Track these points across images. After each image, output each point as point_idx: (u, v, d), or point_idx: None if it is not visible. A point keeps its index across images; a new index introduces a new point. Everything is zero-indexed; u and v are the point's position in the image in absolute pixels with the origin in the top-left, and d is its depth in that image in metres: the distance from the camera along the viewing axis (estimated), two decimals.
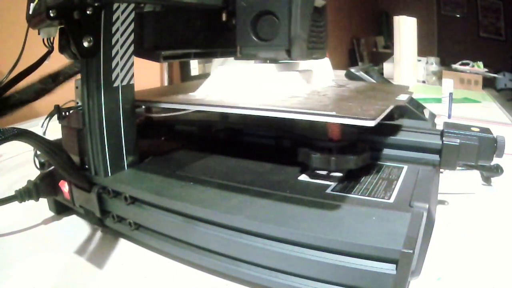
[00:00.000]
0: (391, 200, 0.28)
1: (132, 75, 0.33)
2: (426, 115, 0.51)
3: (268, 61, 0.40)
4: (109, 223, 0.34)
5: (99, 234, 0.35)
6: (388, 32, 2.59)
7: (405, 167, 0.35)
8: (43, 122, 0.34)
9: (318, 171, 0.34)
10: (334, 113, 0.27)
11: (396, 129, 0.39)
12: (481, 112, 0.96)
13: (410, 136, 0.37)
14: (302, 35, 0.34)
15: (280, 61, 0.40)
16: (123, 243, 0.34)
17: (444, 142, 0.35)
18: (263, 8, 0.34)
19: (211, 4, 0.35)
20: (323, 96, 0.36)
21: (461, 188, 0.43)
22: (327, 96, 0.36)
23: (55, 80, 0.40)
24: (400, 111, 0.47)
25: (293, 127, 0.39)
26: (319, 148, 0.33)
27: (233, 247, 0.27)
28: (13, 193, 0.35)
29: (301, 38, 0.34)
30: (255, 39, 0.35)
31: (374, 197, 0.29)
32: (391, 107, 0.33)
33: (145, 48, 0.37)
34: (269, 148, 0.42)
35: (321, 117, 0.28)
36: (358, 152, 0.32)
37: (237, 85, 0.37)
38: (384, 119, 0.29)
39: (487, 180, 0.46)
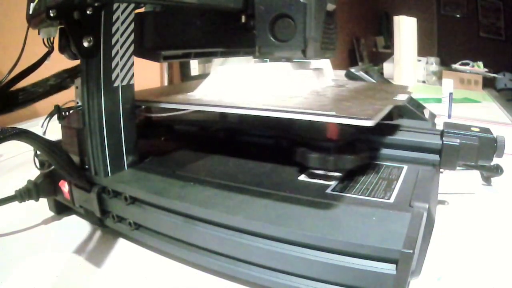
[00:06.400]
0: (391, 200, 0.28)
1: (132, 75, 0.33)
2: (426, 115, 0.51)
3: (268, 60, 0.40)
4: (109, 223, 0.34)
5: (99, 234, 0.35)
6: (388, 32, 2.59)
7: (405, 167, 0.35)
8: (43, 122, 0.34)
9: (318, 171, 0.34)
10: (333, 113, 0.27)
11: (396, 129, 0.39)
12: (481, 112, 0.96)
13: (410, 136, 0.37)
14: (316, 37, 0.36)
15: (281, 61, 0.40)
16: (123, 243, 0.34)
17: (444, 142, 0.35)
18: (280, 11, 0.36)
19: (232, 7, 0.37)
20: (322, 96, 0.36)
21: (461, 188, 0.43)
22: (326, 96, 0.36)
23: (71, 76, 0.39)
24: (400, 111, 0.47)
25: (292, 127, 0.39)
26: (317, 148, 0.33)
27: (233, 247, 0.27)
28: (13, 193, 0.35)
29: (316, 40, 0.36)
30: (272, 39, 0.37)
31: (374, 197, 0.29)
32: (390, 107, 0.33)
33: (145, 48, 0.37)
34: (268, 148, 0.42)
35: (320, 117, 0.28)
36: (357, 151, 0.32)
37: (236, 85, 0.37)
38: (384, 119, 0.29)
39: (487, 180, 0.46)
